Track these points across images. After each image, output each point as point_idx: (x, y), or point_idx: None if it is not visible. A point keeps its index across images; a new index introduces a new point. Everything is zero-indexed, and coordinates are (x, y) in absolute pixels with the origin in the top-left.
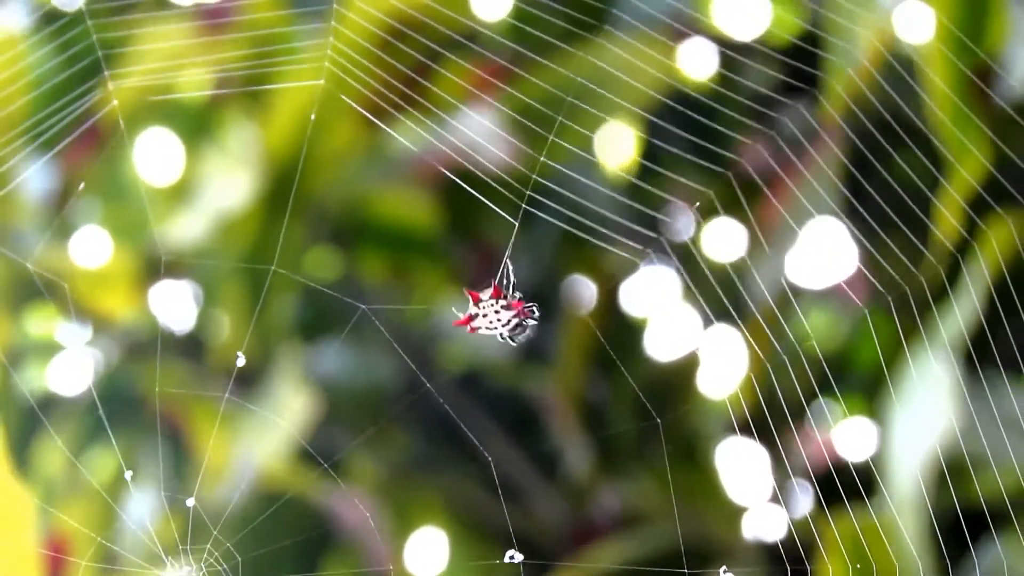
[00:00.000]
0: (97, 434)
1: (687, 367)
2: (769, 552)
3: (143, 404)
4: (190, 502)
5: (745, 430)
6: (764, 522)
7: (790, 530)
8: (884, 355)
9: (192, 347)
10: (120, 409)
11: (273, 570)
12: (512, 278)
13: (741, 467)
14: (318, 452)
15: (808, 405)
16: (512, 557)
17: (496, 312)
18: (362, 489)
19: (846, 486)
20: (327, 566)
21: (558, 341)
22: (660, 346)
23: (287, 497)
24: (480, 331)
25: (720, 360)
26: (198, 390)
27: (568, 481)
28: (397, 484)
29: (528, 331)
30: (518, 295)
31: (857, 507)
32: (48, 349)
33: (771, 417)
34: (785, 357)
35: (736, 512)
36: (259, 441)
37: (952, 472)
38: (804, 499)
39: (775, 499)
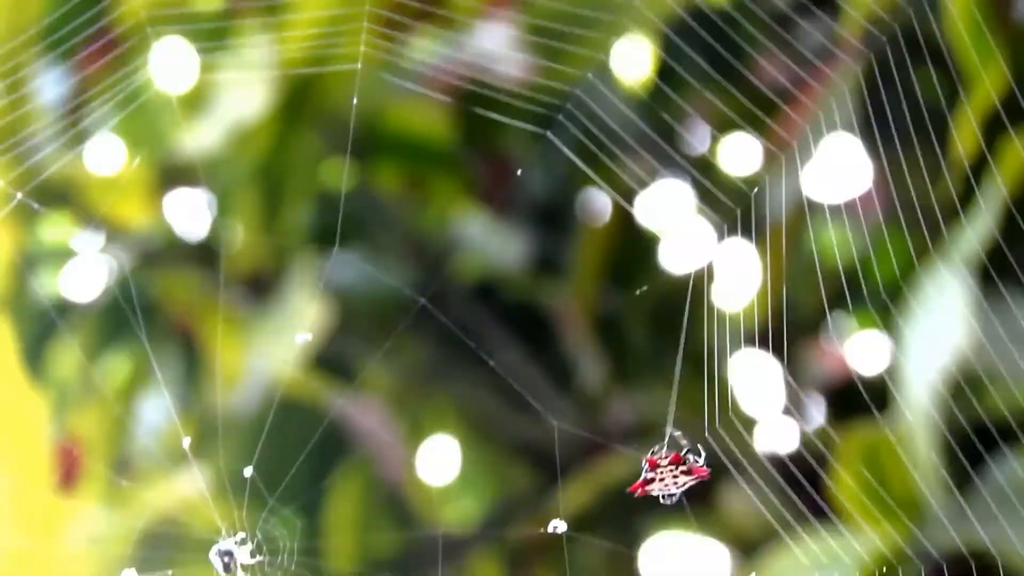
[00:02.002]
0: (110, 341)
1: (701, 279)
2: (782, 465)
3: (156, 311)
4: (248, 472)
5: (759, 343)
6: (777, 435)
7: (802, 443)
8: (899, 271)
9: (206, 255)
10: (133, 316)
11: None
12: (685, 442)
13: (754, 380)
14: (332, 361)
15: (822, 319)
16: (556, 528)
17: (675, 477)
18: (375, 397)
19: (859, 400)
20: (340, 474)
21: (573, 253)
22: (674, 259)
23: (300, 405)
24: (652, 493)
25: (735, 274)
26: (212, 298)
27: (582, 392)
28: (410, 393)
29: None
30: (700, 460)
31: (870, 421)
32: (62, 256)
33: (785, 330)
34: (800, 270)
35: (749, 425)
36: (272, 349)
37: (966, 387)
38: (817, 412)
39: (788, 412)
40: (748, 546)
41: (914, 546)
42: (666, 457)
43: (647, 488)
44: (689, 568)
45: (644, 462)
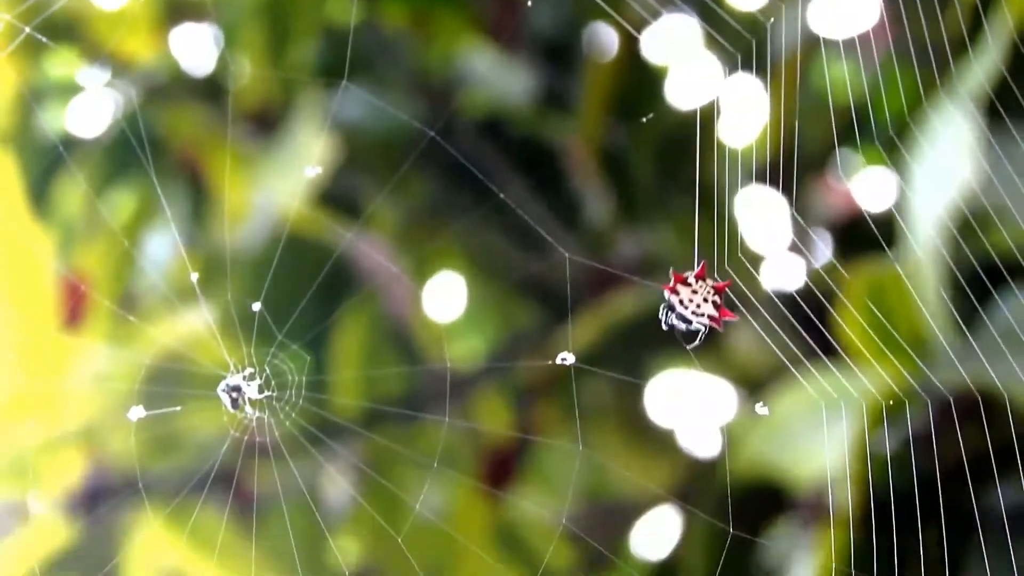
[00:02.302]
0: (115, 177)
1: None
2: (789, 302)
3: (163, 147)
4: (256, 307)
5: (766, 179)
6: (784, 272)
7: (809, 279)
8: (906, 106)
9: (212, 90)
10: (140, 151)
11: (292, 313)
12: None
13: (761, 216)
14: (338, 197)
15: (829, 156)
16: (564, 360)
17: (704, 299)
18: (382, 234)
19: (866, 236)
20: (346, 310)
21: (579, 88)
22: (681, 94)
23: (307, 241)
24: (668, 300)
25: (742, 109)
26: (218, 133)
27: (588, 228)
28: (416, 229)
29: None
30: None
31: (877, 257)
32: (68, 91)
33: (792, 166)
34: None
35: (755, 261)
36: (279, 185)
37: (973, 224)
38: (824, 249)
39: (795, 248)
40: (755, 383)
41: (921, 382)
42: (715, 278)
43: (678, 287)
44: (696, 405)
45: (699, 265)
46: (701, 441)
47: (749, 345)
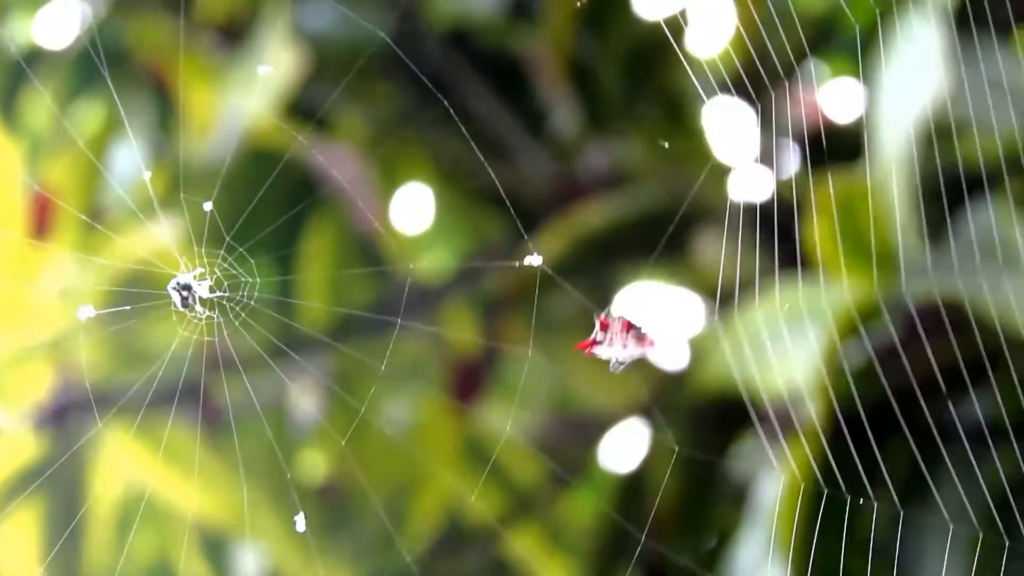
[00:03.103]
0: (83, 88)
1: (675, 25)
2: (755, 212)
3: (129, 58)
4: (207, 206)
5: (733, 89)
6: (751, 183)
7: (777, 192)
8: (875, 16)
9: (178, 1)
10: (106, 63)
11: (259, 227)
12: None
13: (728, 127)
14: (305, 109)
15: (797, 65)
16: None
17: (624, 344)
18: (349, 145)
19: (834, 148)
20: (313, 223)
21: None
22: (649, 4)
23: (273, 152)
24: (599, 356)
25: (709, 19)
26: (184, 45)
27: (556, 139)
28: (383, 141)
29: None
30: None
31: (845, 168)
32: (34, 2)
33: (759, 76)
34: (774, 15)
35: (723, 172)
36: (246, 96)
37: (940, 135)
38: (791, 160)
39: (762, 160)
40: (723, 296)
41: (889, 294)
42: (617, 320)
43: (594, 349)
44: (663, 318)
45: (596, 321)
46: (669, 354)
47: (718, 257)
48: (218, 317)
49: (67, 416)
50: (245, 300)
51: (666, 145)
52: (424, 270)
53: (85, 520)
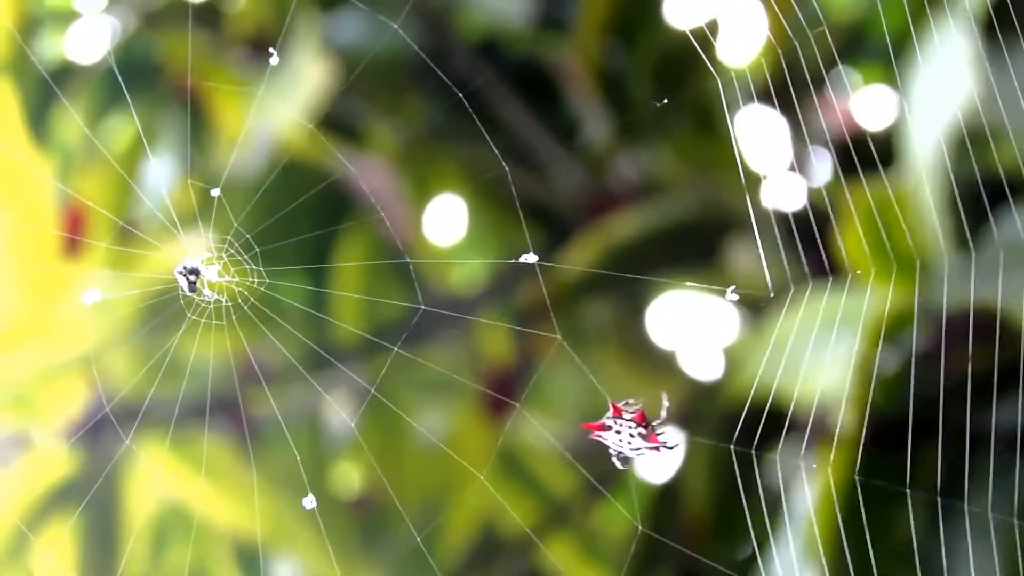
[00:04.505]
0: (114, 103)
1: (706, 35)
2: (788, 222)
3: (160, 73)
4: (215, 192)
5: (764, 98)
6: (783, 191)
7: (809, 199)
8: (906, 24)
9: (209, 16)
10: (137, 78)
11: (291, 235)
12: (664, 413)
13: (760, 136)
14: (337, 121)
15: (828, 73)
16: (526, 259)
17: (631, 436)
18: (381, 158)
19: (865, 155)
20: (346, 234)
21: (576, 8)
22: (680, 13)
23: (305, 166)
24: (602, 441)
25: (741, 27)
26: (215, 59)
27: (587, 149)
28: (416, 153)
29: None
30: (663, 432)
31: (876, 176)
32: (65, 18)
33: (791, 85)
34: (804, 24)
35: (754, 181)
36: (277, 110)
37: (972, 141)
38: (823, 168)
39: (793, 168)
40: (755, 304)
41: (922, 301)
42: (632, 411)
43: (601, 434)
44: (696, 326)
45: (609, 406)
46: (702, 363)
47: (750, 265)
48: (227, 301)
49: (100, 431)
50: (255, 286)
51: (664, 101)
52: (456, 283)
53: (121, 534)
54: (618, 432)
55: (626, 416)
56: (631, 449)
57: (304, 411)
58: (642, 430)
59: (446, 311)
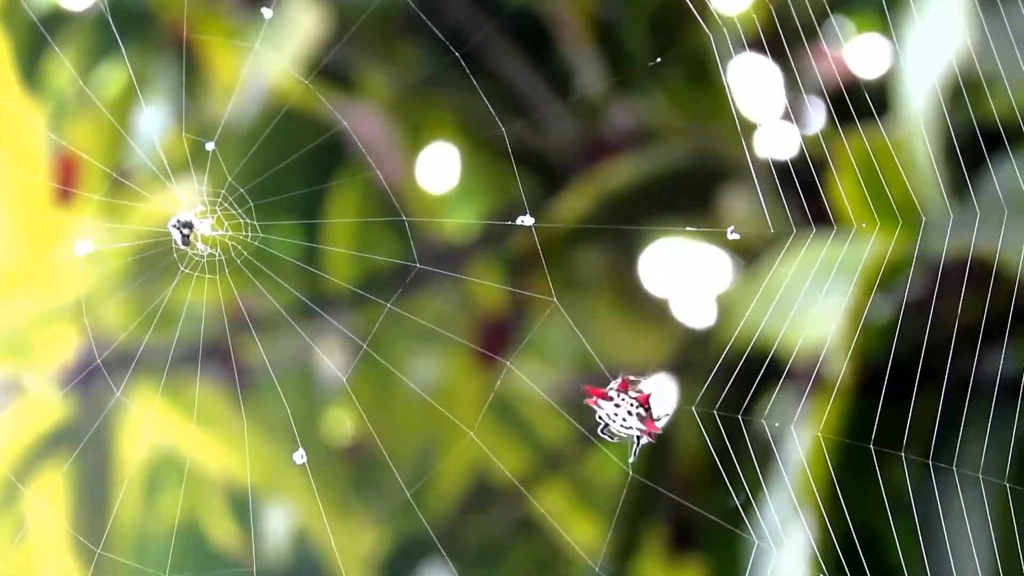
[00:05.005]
0: (106, 50)
1: None
2: (780, 169)
3: (153, 20)
4: (209, 146)
5: (758, 47)
6: (777, 140)
7: (803, 148)
8: None
9: None
10: (129, 25)
11: (285, 185)
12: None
13: (754, 85)
14: (330, 69)
15: (821, 22)
16: (523, 221)
17: (628, 413)
18: (374, 105)
19: (859, 104)
20: (338, 182)
21: None
22: None
23: (298, 114)
24: (598, 413)
25: None
26: (209, 6)
27: (581, 99)
28: (409, 100)
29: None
30: (660, 419)
31: (871, 124)
32: None
33: (784, 34)
34: None
35: (748, 129)
36: (270, 58)
37: (967, 90)
38: (817, 116)
39: (787, 117)
40: (749, 252)
41: (916, 249)
42: (638, 391)
43: (600, 402)
44: (689, 274)
45: (619, 377)
46: (695, 311)
47: (744, 213)
48: (220, 255)
49: (93, 378)
50: (248, 240)
51: (658, 60)
52: (450, 228)
53: (113, 480)
54: (618, 406)
55: (632, 392)
56: (622, 425)
57: (297, 358)
58: (642, 411)
59: (440, 260)
